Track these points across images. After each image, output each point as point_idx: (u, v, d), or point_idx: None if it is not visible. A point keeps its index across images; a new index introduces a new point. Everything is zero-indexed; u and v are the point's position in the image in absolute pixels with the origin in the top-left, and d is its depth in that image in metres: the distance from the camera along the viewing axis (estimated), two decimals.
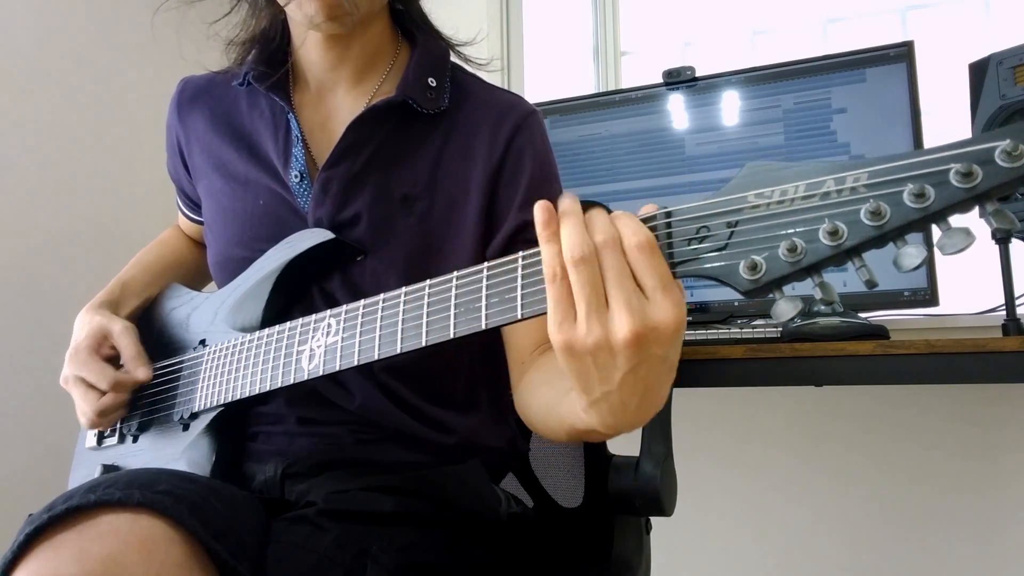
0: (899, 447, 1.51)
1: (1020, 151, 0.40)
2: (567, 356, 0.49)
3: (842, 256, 0.44)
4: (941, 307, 1.22)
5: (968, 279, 1.44)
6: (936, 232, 0.43)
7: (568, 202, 0.51)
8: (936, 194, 0.42)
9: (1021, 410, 1.43)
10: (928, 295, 1.21)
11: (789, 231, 0.45)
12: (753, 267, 0.46)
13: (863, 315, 1.05)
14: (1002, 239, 1.04)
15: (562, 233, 0.50)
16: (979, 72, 1.10)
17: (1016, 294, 1.06)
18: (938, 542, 1.47)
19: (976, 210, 0.42)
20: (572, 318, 0.49)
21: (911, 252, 0.42)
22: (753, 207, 0.47)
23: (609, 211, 0.51)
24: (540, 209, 0.51)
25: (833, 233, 0.44)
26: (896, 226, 0.42)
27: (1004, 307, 1.04)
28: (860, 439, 1.53)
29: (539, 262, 0.52)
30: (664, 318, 0.47)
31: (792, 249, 0.45)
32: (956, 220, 0.42)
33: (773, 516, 1.59)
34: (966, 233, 0.41)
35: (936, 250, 0.42)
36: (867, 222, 0.43)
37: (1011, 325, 1.02)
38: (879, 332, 0.99)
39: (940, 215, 0.42)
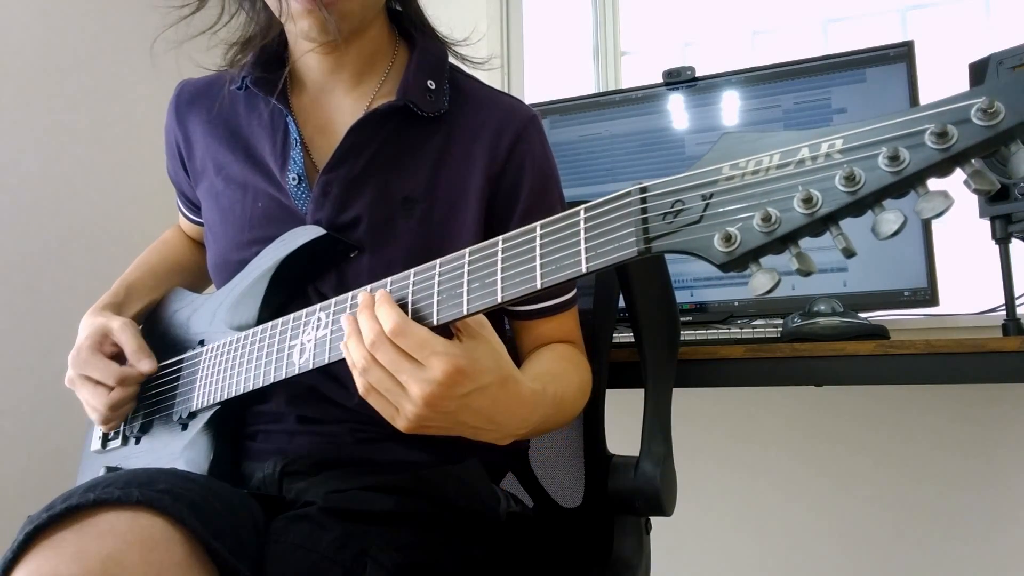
0: (899, 447, 1.51)
1: (996, 108, 0.38)
2: (421, 431, 0.60)
3: (817, 224, 0.43)
4: (941, 307, 1.22)
5: (968, 279, 1.43)
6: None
7: (345, 323, 0.61)
8: (911, 156, 0.40)
9: (1021, 410, 1.43)
10: (928, 295, 1.20)
11: (763, 201, 0.44)
12: (727, 239, 0.45)
13: (863, 315, 1.05)
14: (1002, 239, 1.04)
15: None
16: (979, 72, 1.10)
17: (1016, 294, 1.06)
18: (938, 541, 1.47)
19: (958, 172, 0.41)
20: (395, 410, 0.59)
21: (889, 218, 0.41)
22: (728, 178, 0.46)
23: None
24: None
25: (807, 201, 0.42)
26: (871, 191, 0.41)
27: (1004, 307, 1.04)
28: (860, 439, 1.53)
29: (520, 245, 0.55)
30: (438, 375, 0.56)
31: (766, 219, 0.44)
32: (935, 184, 0.41)
33: (773, 516, 1.59)
34: (944, 196, 0.39)
35: (922, 222, 0.41)
36: (841, 188, 0.42)
37: (1011, 325, 1.02)
38: (879, 332, 0.99)
39: (916, 178, 0.40)
